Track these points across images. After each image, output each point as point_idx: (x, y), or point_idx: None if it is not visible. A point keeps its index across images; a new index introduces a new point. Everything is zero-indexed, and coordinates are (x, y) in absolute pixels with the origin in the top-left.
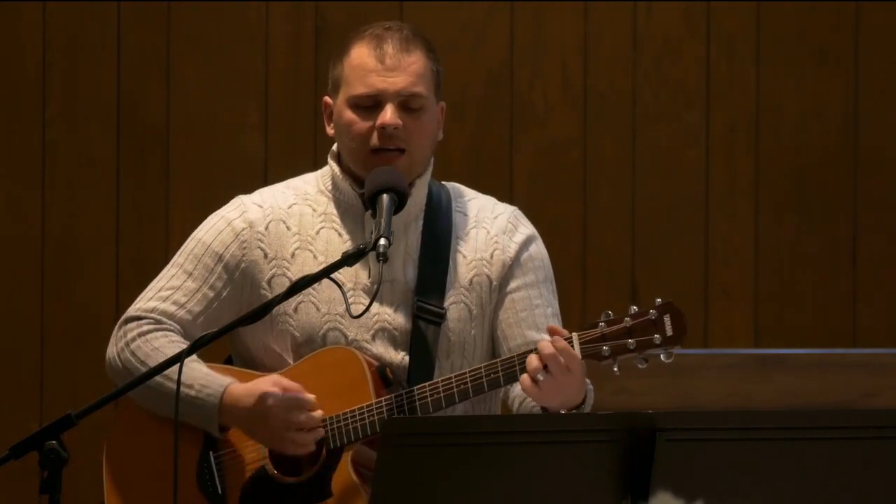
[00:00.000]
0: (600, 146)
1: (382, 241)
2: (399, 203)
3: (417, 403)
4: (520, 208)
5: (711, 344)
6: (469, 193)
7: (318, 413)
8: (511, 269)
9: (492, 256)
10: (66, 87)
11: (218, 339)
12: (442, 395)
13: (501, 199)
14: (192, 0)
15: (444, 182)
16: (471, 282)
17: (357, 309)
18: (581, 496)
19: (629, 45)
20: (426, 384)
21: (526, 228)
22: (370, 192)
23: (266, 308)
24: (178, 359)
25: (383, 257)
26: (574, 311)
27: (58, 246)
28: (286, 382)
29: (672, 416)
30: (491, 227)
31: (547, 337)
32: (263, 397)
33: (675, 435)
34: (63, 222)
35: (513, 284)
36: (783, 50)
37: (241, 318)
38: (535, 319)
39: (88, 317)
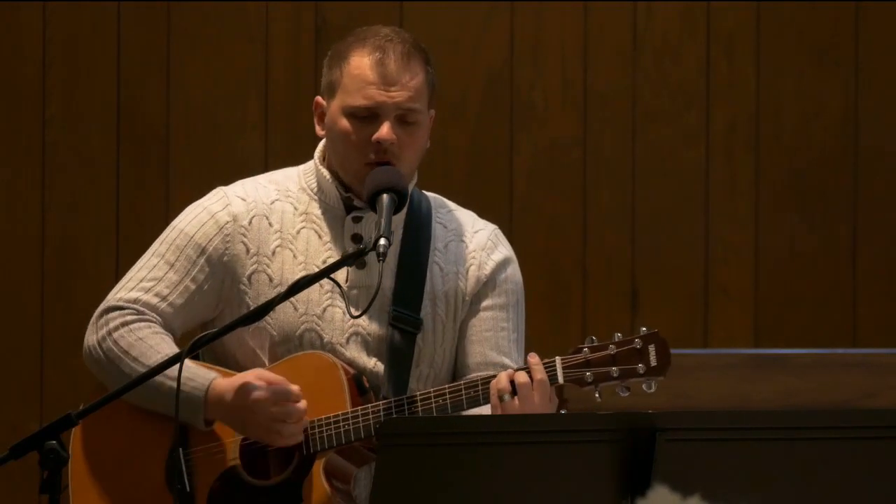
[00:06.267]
0: (600, 146)
1: (382, 241)
2: (399, 203)
3: (395, 416)
4: (520, 208)
5: (711, 344)
6: (450, 205)
7: (303, 404)
8: (485, 286)
9: (467, 271)
10: (66, 87)
11: (205, 337)
12: (420, 409)
13: (501, 199)
14: (192, 0)
15: (425, 191)
16: (445, 294)
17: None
18: (581, 496)
19: (629, 45)
20: (403, 397)
21: (505, 249)
22: (370, 191)
23: (267, 308)
24: (178, 359)
25: (383, 257)
26: (574, 312)
27: (58, 246)
28: (269, 375)
29: (672, 416)
30: (470, 242)
31: (507, 361)
32: (248, 390)
33: (675, 435)
34: (63, 222)
35: (485, 303)
36: (783, 50)
37: (241, 318)
38: (498, 341)
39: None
